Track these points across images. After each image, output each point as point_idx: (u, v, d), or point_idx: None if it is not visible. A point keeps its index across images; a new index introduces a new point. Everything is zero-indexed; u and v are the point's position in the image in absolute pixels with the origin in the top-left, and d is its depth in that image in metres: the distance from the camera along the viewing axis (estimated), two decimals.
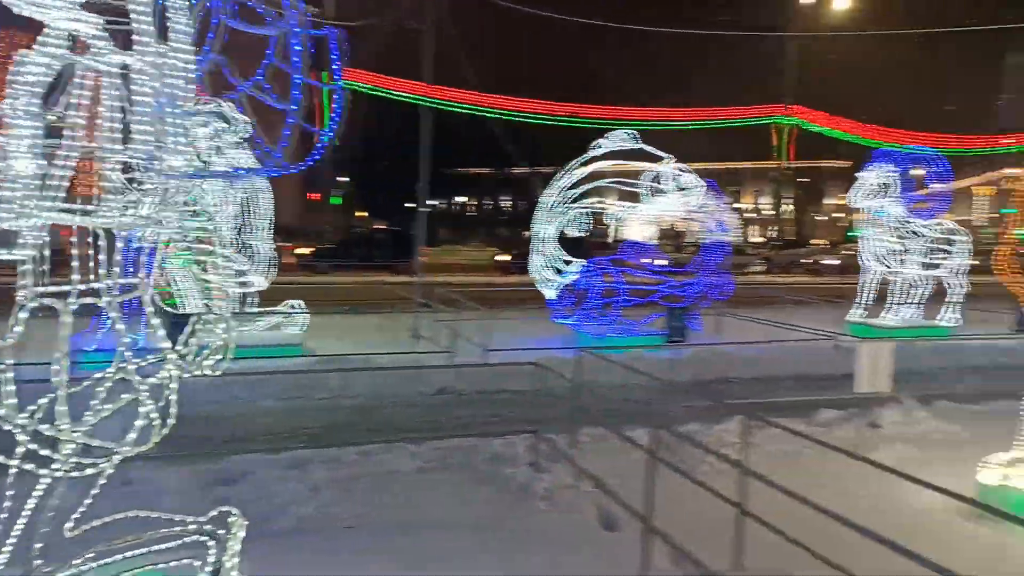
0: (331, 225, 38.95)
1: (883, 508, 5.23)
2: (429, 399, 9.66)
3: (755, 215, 73.03)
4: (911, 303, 15.01)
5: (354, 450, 6.69)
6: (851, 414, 8.29)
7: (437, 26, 16.30)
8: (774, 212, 63.55)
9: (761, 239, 58.00)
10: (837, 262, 35.30)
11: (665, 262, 14.38)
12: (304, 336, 11.63)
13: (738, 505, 4.62)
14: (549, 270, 12.89)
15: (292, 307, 11.69)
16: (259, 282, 11.48)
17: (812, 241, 50.30)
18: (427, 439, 7.13)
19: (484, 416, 9.04)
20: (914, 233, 14.63)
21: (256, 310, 11.73)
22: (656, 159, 13.17)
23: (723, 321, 16.26)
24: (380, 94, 23.63)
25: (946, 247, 15.00)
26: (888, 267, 14.71)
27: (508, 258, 32.76)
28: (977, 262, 15.44)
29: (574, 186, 12.70)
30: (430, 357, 10.65)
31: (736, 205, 73.99)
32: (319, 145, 3.73)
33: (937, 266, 14.94)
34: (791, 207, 63.55)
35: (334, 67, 3.79)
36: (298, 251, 30.31)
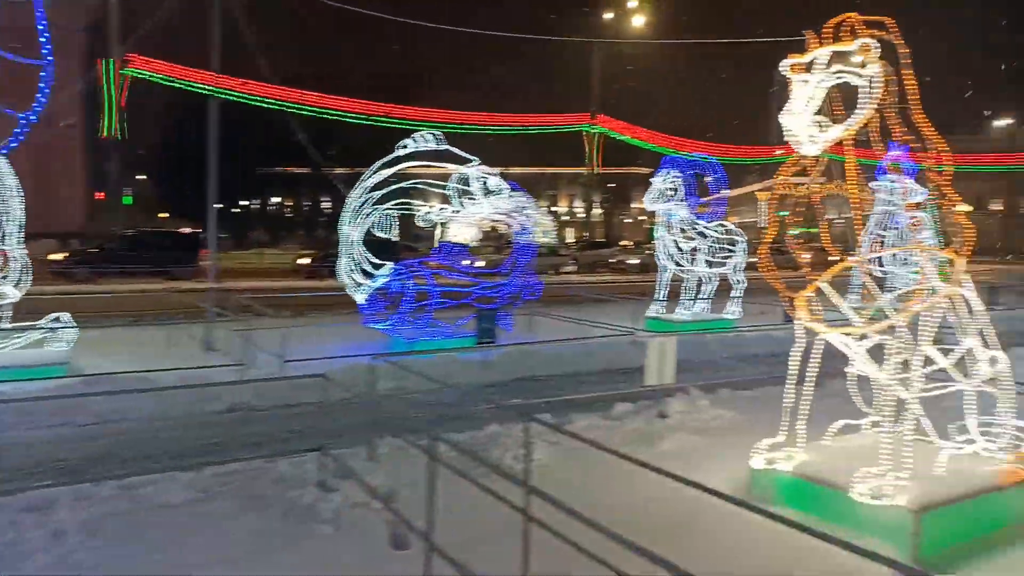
0: (120, 228, 34.88)
1: (661, 500, 5.43)
2: (217, 418, 8.81)
3: (570, 218, 76.82)
4: (701, 298, 16.36)
5: (114, 484, 5.86)
6: (641, 406, 8.70)
7: (230, 14, 15.11)
8: (586, 215, 67.03)
9: (575, 240, 60.98)
10: (638, 261, 38.05)
11: (481, 264, 14.41)
12: (71, 354, 10.24)
13: (523, 512, 4.55)
14: (357, 273, 12.40)
15: (56, 321, 10.25)
16: (12, 293, 9.94)
17: (622, 242, 53.64)
18: (206, 464, 6.43)
19: (282, 433, 8.40)
20: (700, 234, 15.89)
21: (10, 326, 10.16)
22: (463, 161, 13.15)
23: (536, 320, 16.69)
24: (162, 82, 21.43)
25: (729, 247, 16.47)
26: (679, 265, 15.86)
27: (307, 261, 31.23)
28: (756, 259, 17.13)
29: (378, 187, 12.31)
30: (220, 372, 9.75)
31: (554, 209, 77.71)
32: (21, 125, 3.12)
33: (722, 264, 16.37)
34: (601, 210, 67.37)
35: (41, 39, 3.18)
36: (51, 257, 26.17)
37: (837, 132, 5.30)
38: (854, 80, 5.21)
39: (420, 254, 13.46)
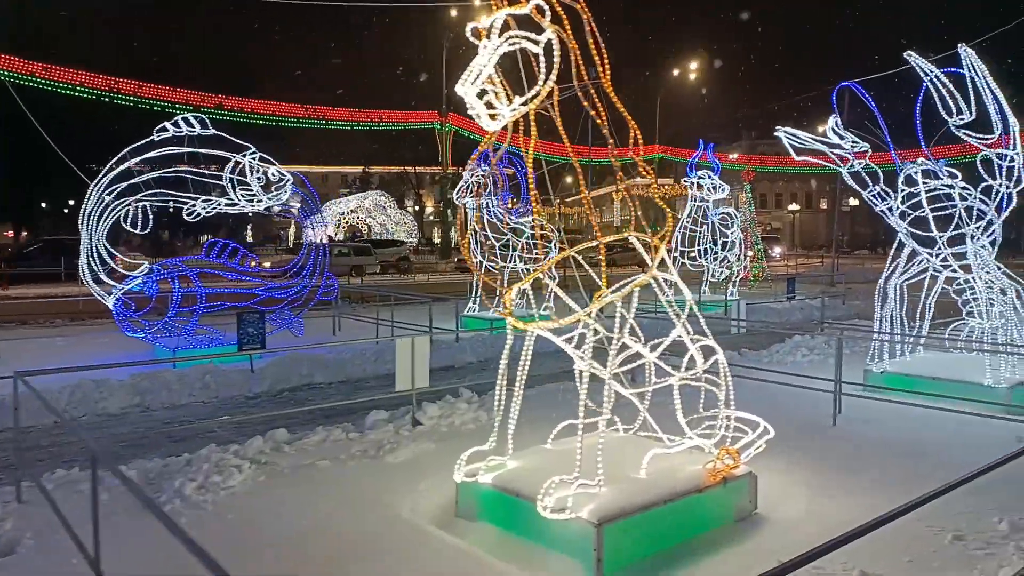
0: None
1: (372, 516, 4.73)
2: None
3: (434, 217, 75.81)
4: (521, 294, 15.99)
5: None
6: (400, 413, 7.97)
7: None
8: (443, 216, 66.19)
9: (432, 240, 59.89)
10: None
11: (265, 263, 13.16)
12: None
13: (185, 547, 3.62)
14: (102, 275, 10.86)
15: None
16: None
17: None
18: None
19: None
20: (513, 231, 15.50)
21: None
22: (238, 149, 11.92)
23: (347, 323, 15.65)
24: None
25: (547, 244, 16.18)
26: (493, 262, 15.38)
27: None
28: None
29: (122, 177, 10.83)
30: None
31: (415, 208, 76.35)
32: None
33: (538, 260, 16.08)
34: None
35: None
36: None
37: (519, 106, 4.74)
38: (531, 47, 4.67)
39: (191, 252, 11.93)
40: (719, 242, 20.11)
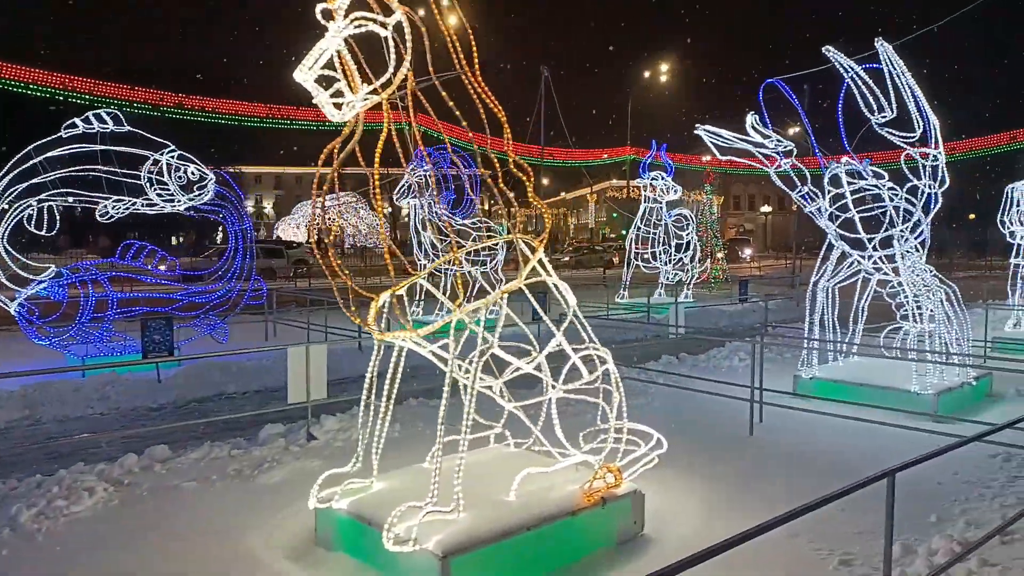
0: None
1: (215, 549, 4.28)
2: None
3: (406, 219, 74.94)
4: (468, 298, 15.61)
5: None
6: (296, 426, 7.51)
7: None
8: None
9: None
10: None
11: (174, 264, 12.60)
12: None
13: None
14: (3, 279, 10.26)
15: None
16: None
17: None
18: None
19: None
20: (458, 233, 15.07)
21: None
22: (157, 147, 11.37)
23: (283, 329, 15.14)
24: None
25: (492, 246, 15.80)
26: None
27: None
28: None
29: (22, 177, 10.25)
30: None
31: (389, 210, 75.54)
32: None
33: (484, 263, 15.68)
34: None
35: None
36: None
37: (368, 94, 4.33)
38: (379, 31, 4.27)
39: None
40: (674, 244, 19.86)
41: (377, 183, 4.62)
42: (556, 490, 4.81)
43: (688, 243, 20.17)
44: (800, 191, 8.86)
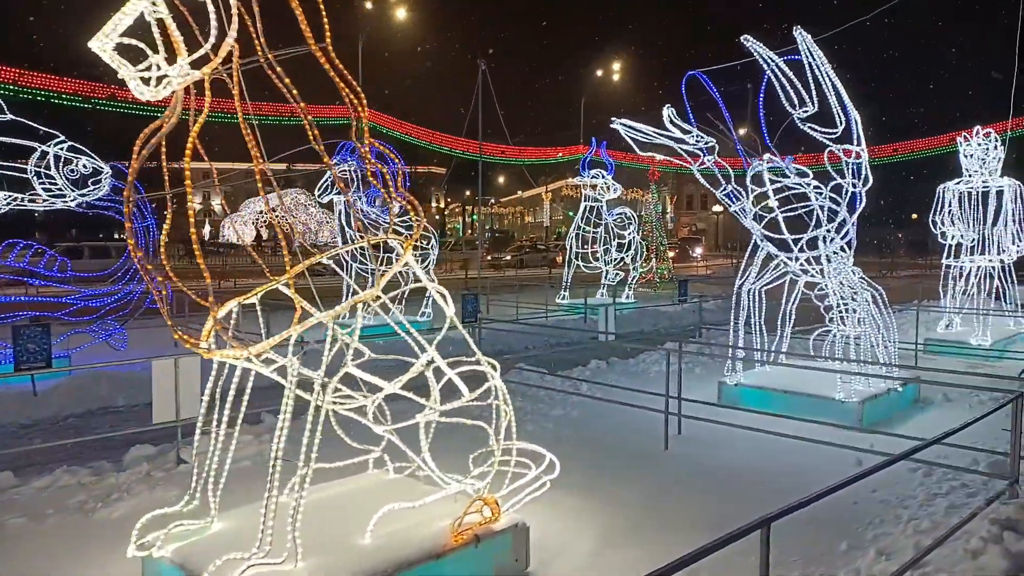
0: None
1: None
2: None
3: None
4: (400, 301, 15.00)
5: None
6: (168, 447, 6.76)
7: None
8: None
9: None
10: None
11: (65, 265, 11.61)
12: None
13: None
14: None
15: None
16: None
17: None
18: None
19: None
20: (381, 229, 14.38)
21: None
22: (45, 138, 10.41)
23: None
24: None
25: (424, 245, 15.14)
26: (364, 264, 14.21)
27: None
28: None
29: None
30: None
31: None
32: None
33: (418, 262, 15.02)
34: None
35: None
36: None
37: (186, 67, 3.66)
38: None
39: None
40: (615, 243, 19.47)
41: (189, 180, 3.92)
42: (422, 528, 4.21)
43: (630, 242, 19.80)
44: (724, 189, 8.44)
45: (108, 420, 8.74)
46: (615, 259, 19.49)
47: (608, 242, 19.26)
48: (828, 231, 8.08)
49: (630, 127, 7.71)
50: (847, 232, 8.26)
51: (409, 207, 4.70)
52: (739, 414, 7.43)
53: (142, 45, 3.52)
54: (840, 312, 8.59)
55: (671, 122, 7.60)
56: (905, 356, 11.68)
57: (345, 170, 13.70)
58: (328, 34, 4.15)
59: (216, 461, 4.38)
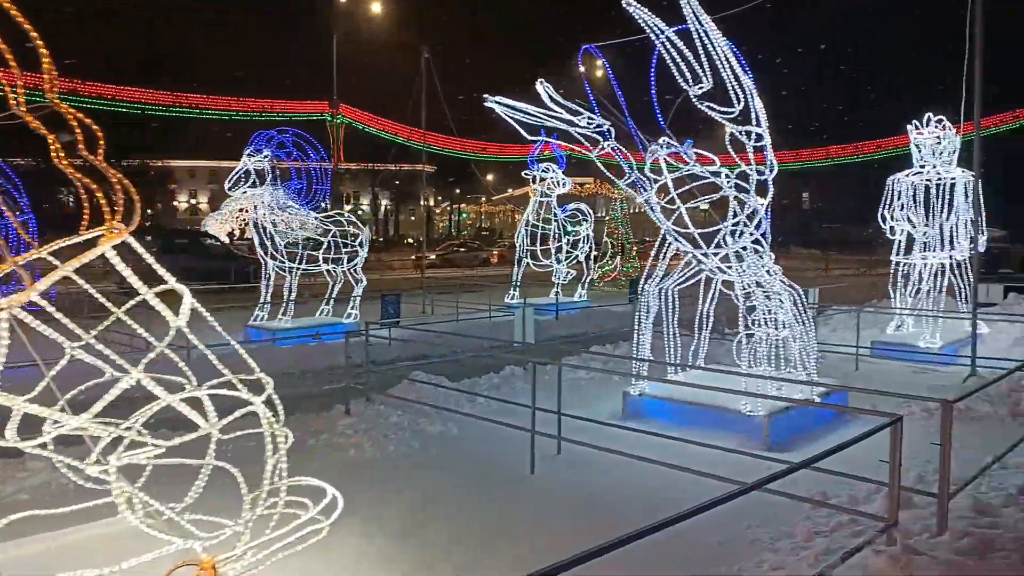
0: None
1: None
2: None
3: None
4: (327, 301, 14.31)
5: None
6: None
7: None
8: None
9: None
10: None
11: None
12: None
13: None
14: None
15: None
16: None
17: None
18: None
19: None
20: (303, 227, 13.47)
21: None
22: None
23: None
24: None
25: (349, 241, 14.29)
26: (280, 262, 13.32)
27: None
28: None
29: None
30: None
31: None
32: None
33: (339, 261, 14.17)
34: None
35: None
36: None
37: None
38: None
39: None
40: (568, 240, 18.61)
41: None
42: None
43: (583, 239, 18.95)
44: (627, 179, 7.58)
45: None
46: (568, 257, 18.63)
47: (559, 239, 18.39)
48: (736, 224, 7.22)
49: (508, 106, 6.83)
50: (760, 224, 7.41)
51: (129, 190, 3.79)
52: (626, 435, 6.57)
53: None
54: (762, 315, 7.75)
55: (551, 100, 6.72)
56: (846, 360, 10.86)
57: (260, 161, 12.81)
58: None
59: None
